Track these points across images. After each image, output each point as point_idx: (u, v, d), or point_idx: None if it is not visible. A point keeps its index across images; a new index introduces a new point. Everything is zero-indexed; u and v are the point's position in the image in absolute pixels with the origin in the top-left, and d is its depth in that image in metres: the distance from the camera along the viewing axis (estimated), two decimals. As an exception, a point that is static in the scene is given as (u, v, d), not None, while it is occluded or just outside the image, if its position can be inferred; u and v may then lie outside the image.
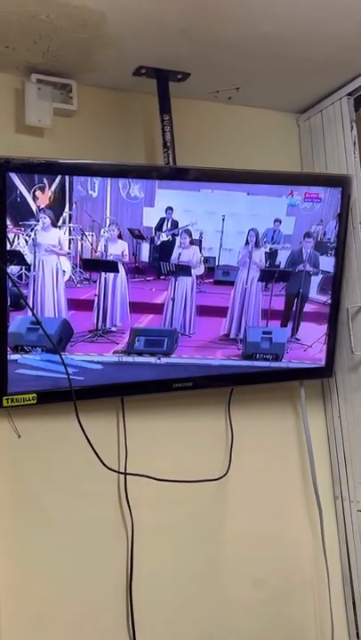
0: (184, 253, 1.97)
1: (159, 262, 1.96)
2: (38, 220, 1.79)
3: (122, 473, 2.01)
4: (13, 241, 1.77)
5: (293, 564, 2.30)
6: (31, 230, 1.79)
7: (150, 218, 1.93)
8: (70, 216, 1.83)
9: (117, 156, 2.05)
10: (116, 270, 1.90)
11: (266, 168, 2.15)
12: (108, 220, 1.87)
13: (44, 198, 1.78)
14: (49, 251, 1.82)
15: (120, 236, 1.89)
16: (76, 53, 1.88)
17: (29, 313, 1.80)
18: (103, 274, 1.89)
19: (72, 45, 1.84)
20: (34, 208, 1.78)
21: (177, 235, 1.95)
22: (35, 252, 1.80)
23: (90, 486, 1.98)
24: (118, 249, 1.90)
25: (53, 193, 1.79)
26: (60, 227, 1.82)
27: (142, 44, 1.87)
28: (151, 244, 1.94)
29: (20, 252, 1.78)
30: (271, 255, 2.09)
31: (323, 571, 2.29)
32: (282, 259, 2.11)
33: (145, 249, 1.94)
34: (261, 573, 2.23)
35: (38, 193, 1.77)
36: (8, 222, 1.75)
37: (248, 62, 2.04)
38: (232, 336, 2.09)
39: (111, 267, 1.89)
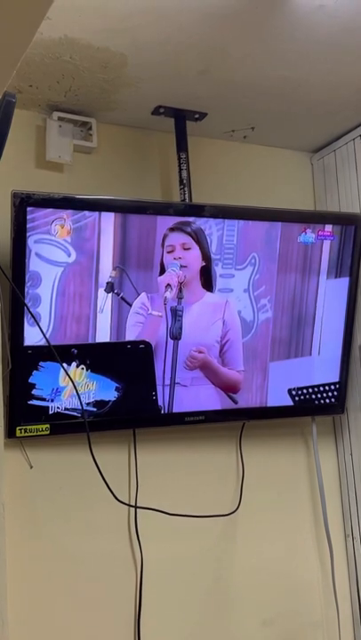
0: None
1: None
2: None
3: (132, 506, 2.00)
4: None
5: (303, 603, 2.27)
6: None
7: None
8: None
9: (135, 193, 2.09)
10: None
11: (280, 205, 2.19)
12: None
13: (63, 232, 1.82)
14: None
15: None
16: (96, 93, 1.94)
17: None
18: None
19: (93, 85, 1.89)
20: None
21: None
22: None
23: (100, 518, 1.98)
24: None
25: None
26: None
27: (161, 84, 1.93)
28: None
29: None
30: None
31: (333, 610, 2.26)
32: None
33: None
34: (271, 612, 2.20)
35: (57, 228, 1.81)
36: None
37: (264, 103, 2.09)
38: None
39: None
